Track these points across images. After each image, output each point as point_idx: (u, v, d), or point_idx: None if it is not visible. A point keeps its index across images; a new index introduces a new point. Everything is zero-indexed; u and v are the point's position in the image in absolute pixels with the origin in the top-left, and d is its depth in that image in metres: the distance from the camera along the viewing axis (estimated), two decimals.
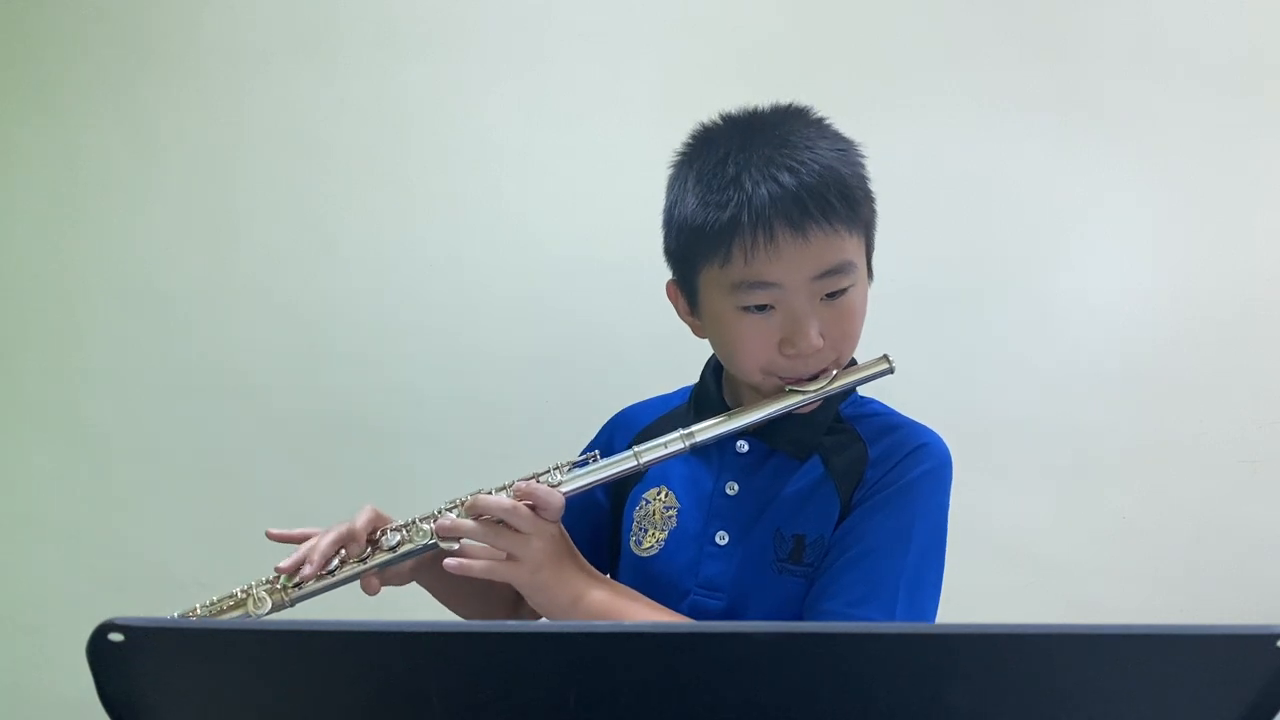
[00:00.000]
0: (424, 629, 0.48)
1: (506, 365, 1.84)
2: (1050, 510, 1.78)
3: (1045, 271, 1.78)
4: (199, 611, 0.87)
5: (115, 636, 0.48)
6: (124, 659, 0.49)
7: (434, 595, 1.04)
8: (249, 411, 1.89)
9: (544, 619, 1.13)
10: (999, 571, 1.71)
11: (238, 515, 1.85)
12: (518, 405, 1.84)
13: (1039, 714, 0.50)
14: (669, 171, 0.98)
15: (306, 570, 0.86)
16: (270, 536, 0.91)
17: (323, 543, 0.87)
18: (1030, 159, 1.77)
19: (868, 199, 0.92)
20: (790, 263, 0.86)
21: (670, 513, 1.01)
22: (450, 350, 1.85)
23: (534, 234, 1.83)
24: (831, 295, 0.89)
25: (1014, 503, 1.75)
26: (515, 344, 1.84)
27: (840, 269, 0.88)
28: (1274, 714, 0.50)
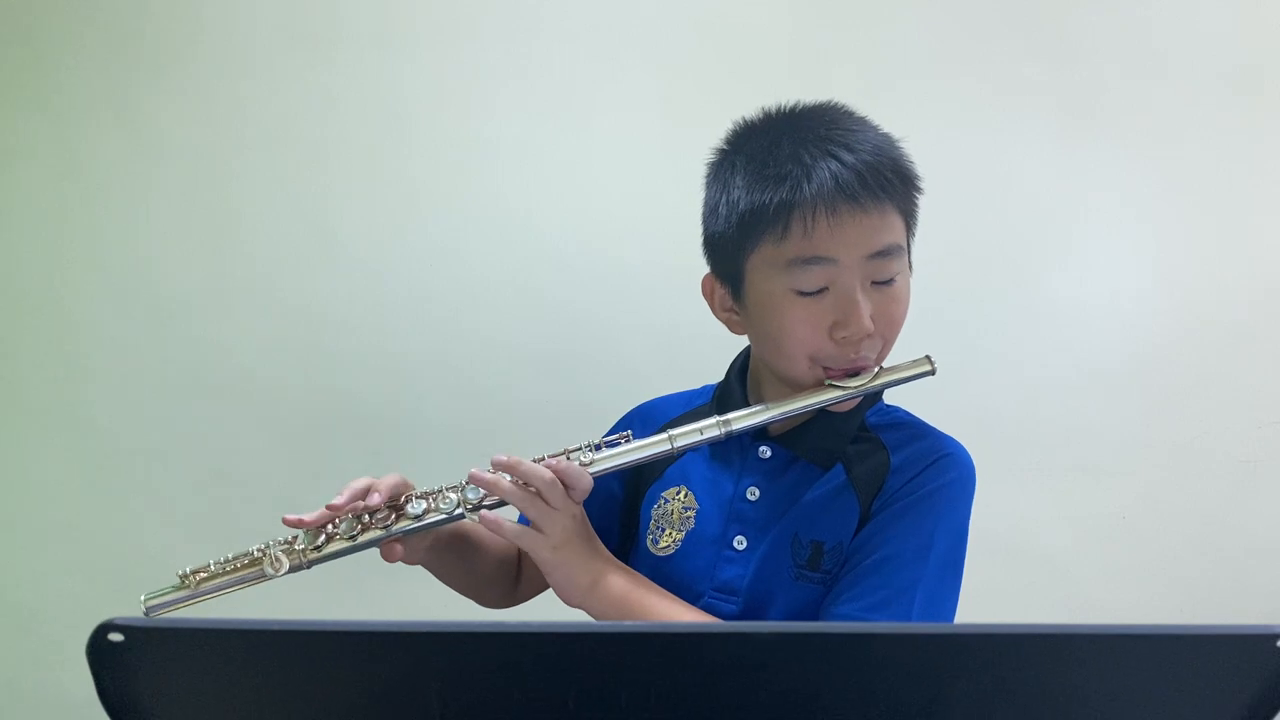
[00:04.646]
0: (424, 629, 0.48)
1: (508, 363, 1.84)
2: (1050, 510, 1.78)
3: (1045, 271, 1.78)
4: (213, 568, 0.85)
5: (115, 636, 0.48)
6: (124, 659, 0.49)
7: (436, 575, 1.03)
8: (249, 411, 1.89)
9: (539, 584, 1.12)
10: (999, 571, 1.72)
11: (238, 515, 1.85)
12: (519, 402, 1.84)
13: (1039, 714, 0.50)
14: (706, 168, 0.97)
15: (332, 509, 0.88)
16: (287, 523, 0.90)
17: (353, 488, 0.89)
18: (1030, 159, 1.77)
19: (918, 186, 0.92)
20: (849, 238, 0.86)
21: (689, 513, 1.00)
22: (451, 348, 1.86)
23: (534, 232, 1.84)
24: (879, 283, 0.89)
25: (1014, 503, 1.75)
26: (516, 342, 1.84)
27: (891, 251, 0.88)
28: (1274, 714, 0.50)
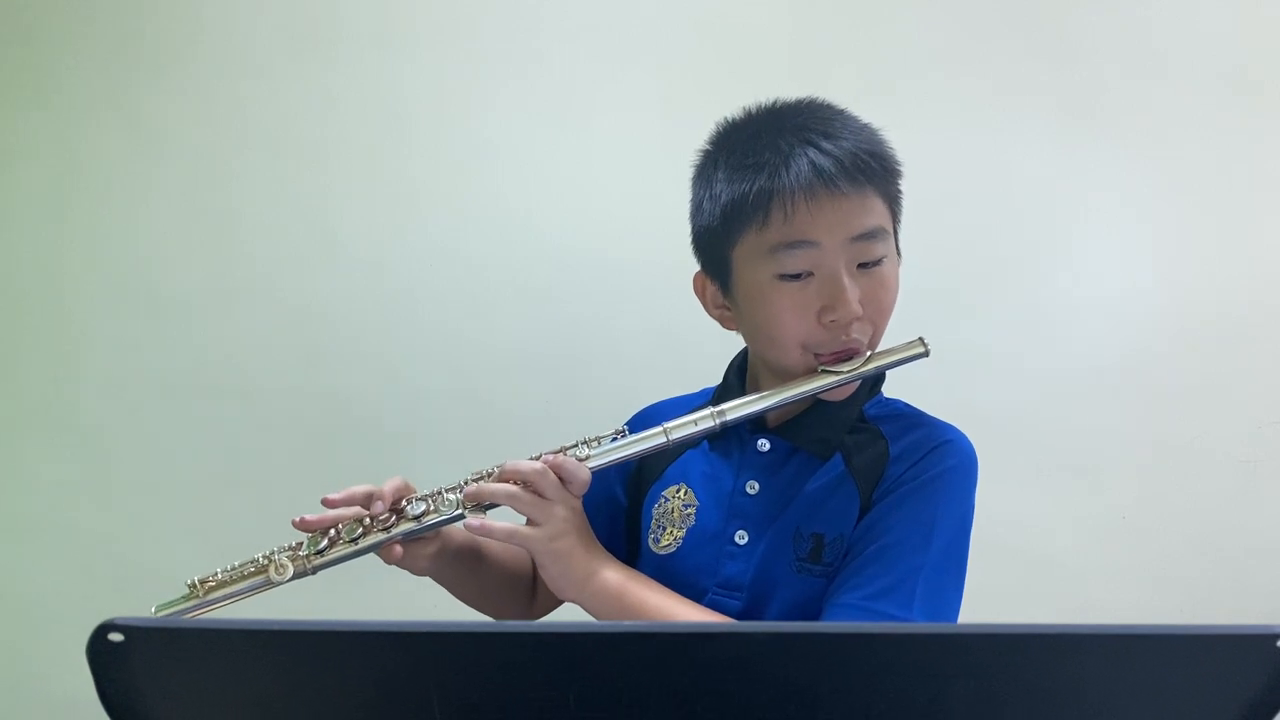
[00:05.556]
0: (424, 629, 0.48)
1: (508, 364, 1.85)
2: (1050, 510, 1.78)
3: (1045, 272, 1.78)
4: (220, 576, 0.85)
5: (115, 636, 0.48)
6: (124, 659, 0.49)
7: (448, 588, 1.03)
8: (249, 411, 1.89)
9: (555, 599, 1.12)
10: (999, 571, 1.71)
11: (237, 514, 1.85)
12: (519, 402, 1.84)
13: (1039, 714, 0.50)
14: (692, 169, 0.97)
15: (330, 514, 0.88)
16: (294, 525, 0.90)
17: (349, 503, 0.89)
18: (1030, 159, 1.77)
19: (898, 171, 0.93)
20: (829, 221, 0.86)
21: (689, 511, 1.00)
22: (451, 349, 1.86)
23: (534, 232, 1.84)
24: (865, 266, 0.89)
25: (1014, 503, 1.75)
26: (517, 343, 1.84)
27: (875, 234, 0.88)
28: (1274, 714, 0.50)
